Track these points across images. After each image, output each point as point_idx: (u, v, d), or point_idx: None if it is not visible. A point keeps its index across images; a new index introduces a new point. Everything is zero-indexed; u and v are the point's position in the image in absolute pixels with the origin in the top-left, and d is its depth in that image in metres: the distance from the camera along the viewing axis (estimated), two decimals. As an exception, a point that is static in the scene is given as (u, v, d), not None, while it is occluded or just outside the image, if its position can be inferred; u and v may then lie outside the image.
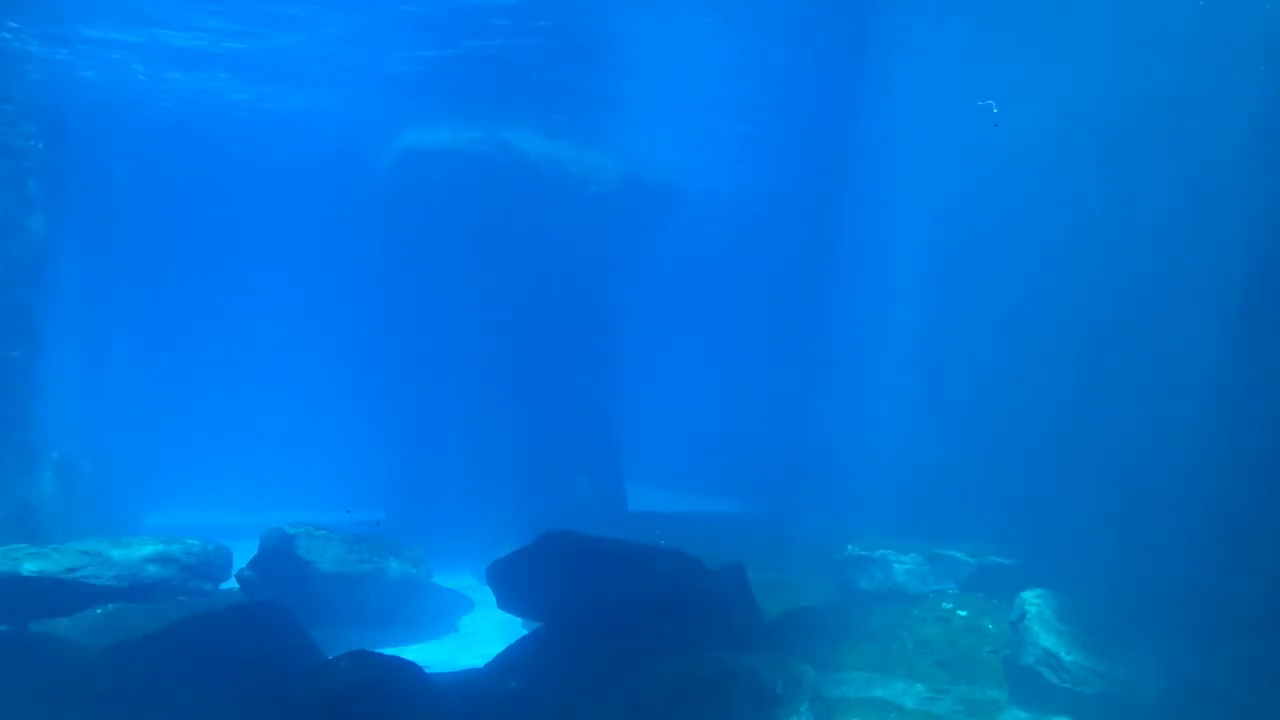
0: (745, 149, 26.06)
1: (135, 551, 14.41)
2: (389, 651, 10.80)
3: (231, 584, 15.18)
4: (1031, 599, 12.62)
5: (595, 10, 17.48)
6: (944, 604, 13.84)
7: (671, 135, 24.37)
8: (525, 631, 13.47)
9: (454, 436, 22.93)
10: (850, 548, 15.83)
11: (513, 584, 12.25)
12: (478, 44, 18.58)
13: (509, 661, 11.79)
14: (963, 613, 13.53)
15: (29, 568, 13.73)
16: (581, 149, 22.85)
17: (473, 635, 15.84)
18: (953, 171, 19.10)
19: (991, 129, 17.73)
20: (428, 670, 10.37)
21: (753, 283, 29.92)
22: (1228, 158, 12.39)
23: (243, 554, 15.47)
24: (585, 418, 22.73)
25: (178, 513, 23.66)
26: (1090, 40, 15.60)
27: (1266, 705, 10.55)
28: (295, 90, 21.71)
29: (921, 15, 17.21)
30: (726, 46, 18.86)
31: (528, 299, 22.32)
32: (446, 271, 22.78)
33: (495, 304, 22.40)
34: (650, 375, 29.67)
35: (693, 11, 17.41)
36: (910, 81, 19.08)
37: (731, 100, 22.38)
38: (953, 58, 18.13)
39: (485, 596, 13.56)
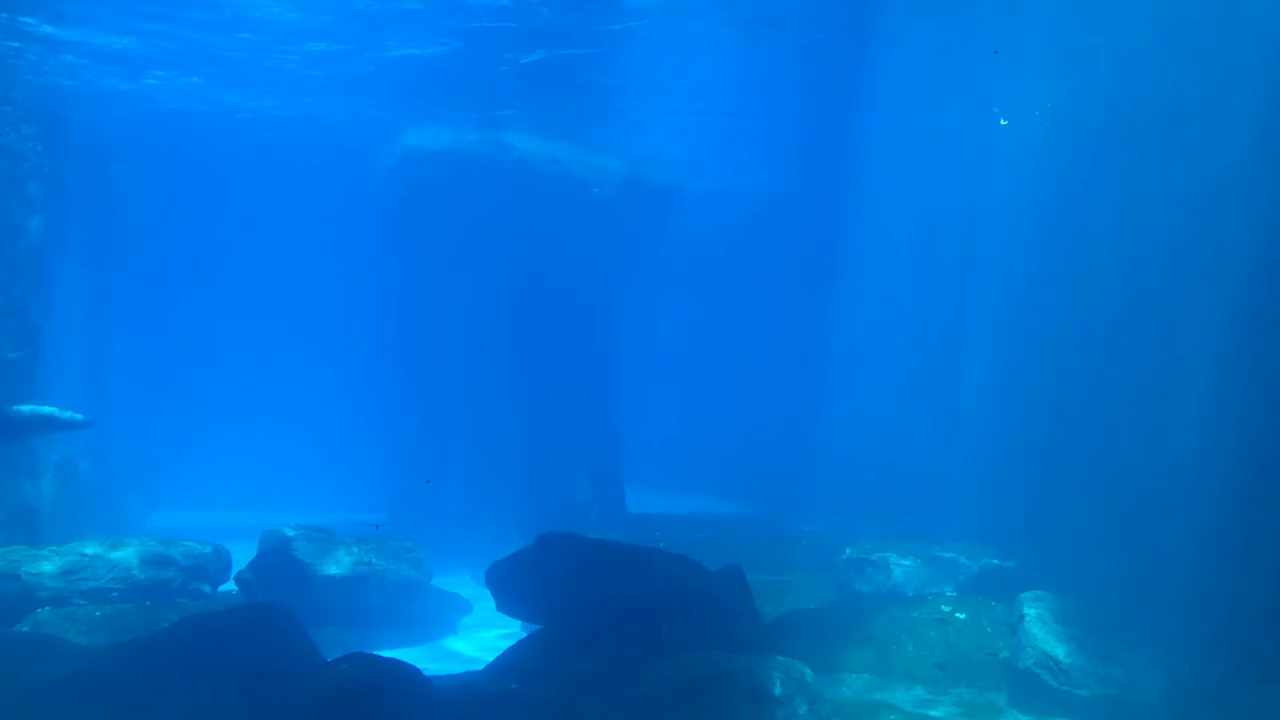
0: (747, 149, 26.07)
1: (134, 553, 14.46)
2: (388, 653, 10.77)
3: (230, 586, 15.19)
4: (1030, 601, 12.61)
5: (597, 10, 17.47)
6: (943, 606, 13.81)
7: (672, 136, 24.37)
8: (524, 633, 13.46)
9: (454, 438, 22.96)
10: (849, 550, 15.82)
11: (512, 586, 12.25)
12: (478, 43, 18.57)
13: (508, 663, 11.78)
14: (961, 615, 13.51)
15: (28, 570, 13.80)
16: (582, 150, 22.88)
17: (472, 637, 15.85)
18: (953, 173, 19.12)
19: (993, 132, 17.75)
20: (427, 672, 10.35)
21: (754, 284, 29.96)
22: (1227, 160, 12.38)
23: (242, 555, 15.46)
24: (585, 419, 22.74)
25: (178, 513, 23.63)
26: (1091, 43, 15.62)
27: (1267, 706, 10.52)
28: (295, 90, 21.70)
29: (924, 17, 17.21)
30: (728, 46, 18.85)
31: (528, 300, 22.34)
32: (447, 272, 22.82)
33: (496, 304, 22.43)
34: (651, 376, 29.68)
35: (694, 12, 17.40)
36: (912, 82, 19.09)
37: (733, 100, 22.37)
38: (955, 59, 18.14)
39: (485, 598, 13.55)
